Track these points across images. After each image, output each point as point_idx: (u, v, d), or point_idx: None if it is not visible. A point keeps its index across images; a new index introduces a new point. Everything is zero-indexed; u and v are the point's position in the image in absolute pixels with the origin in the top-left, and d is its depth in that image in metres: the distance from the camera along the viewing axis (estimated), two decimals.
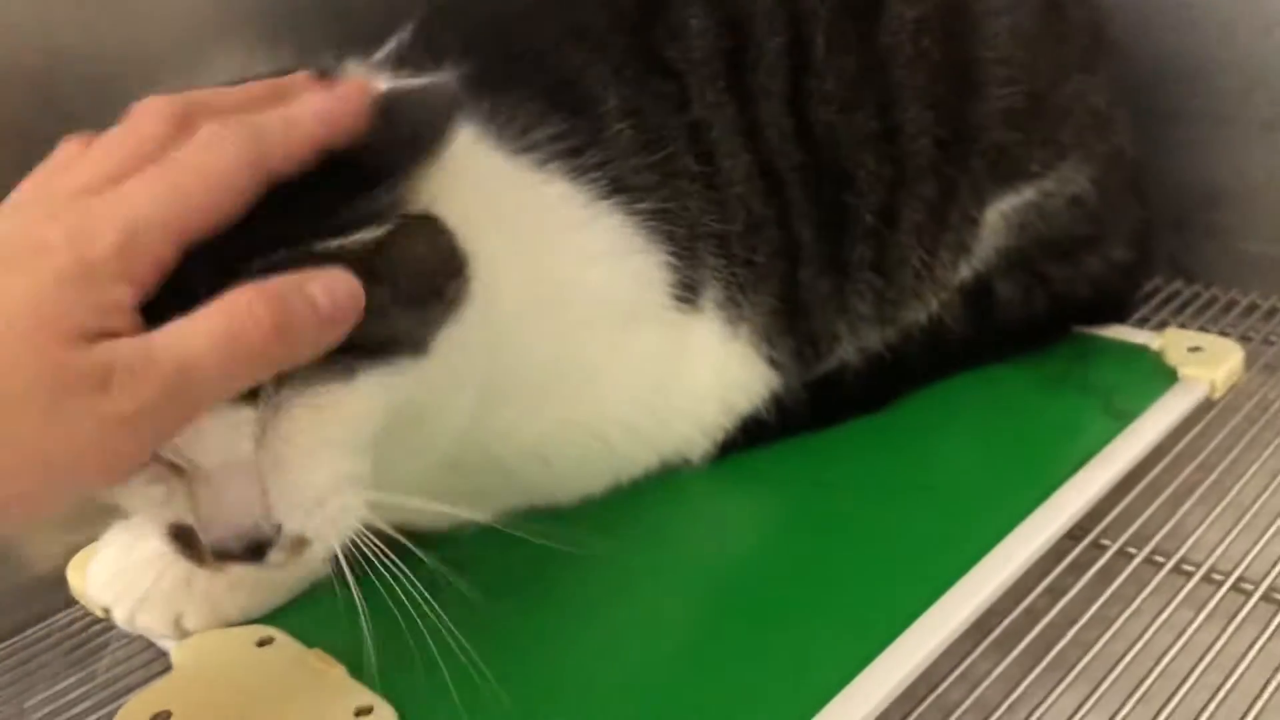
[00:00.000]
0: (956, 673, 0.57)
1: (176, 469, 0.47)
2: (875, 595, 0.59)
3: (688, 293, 0.67)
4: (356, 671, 0.56)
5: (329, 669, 0.56)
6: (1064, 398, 0.75)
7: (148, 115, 0.47)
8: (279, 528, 0.48)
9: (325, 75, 0.55)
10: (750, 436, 0.71)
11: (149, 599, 0.61)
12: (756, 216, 0.68)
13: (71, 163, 0.46)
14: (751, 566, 0.64)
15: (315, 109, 0.47)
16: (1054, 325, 0.81)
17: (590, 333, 0.65)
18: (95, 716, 0.61)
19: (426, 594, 0.51)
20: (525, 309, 0.60)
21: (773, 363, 0.71)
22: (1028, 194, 0.75)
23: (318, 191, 0.47)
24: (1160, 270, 0.95)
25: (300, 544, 0.49)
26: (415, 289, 0.51)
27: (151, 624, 0.61)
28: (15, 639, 0.68)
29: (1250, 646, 0.57)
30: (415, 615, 0.51)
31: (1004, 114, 0.73)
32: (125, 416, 0.40)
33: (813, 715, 0.52)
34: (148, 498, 0.48)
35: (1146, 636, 0.59)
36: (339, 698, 0.55)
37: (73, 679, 0.64)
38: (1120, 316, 0.85)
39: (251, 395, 0.46)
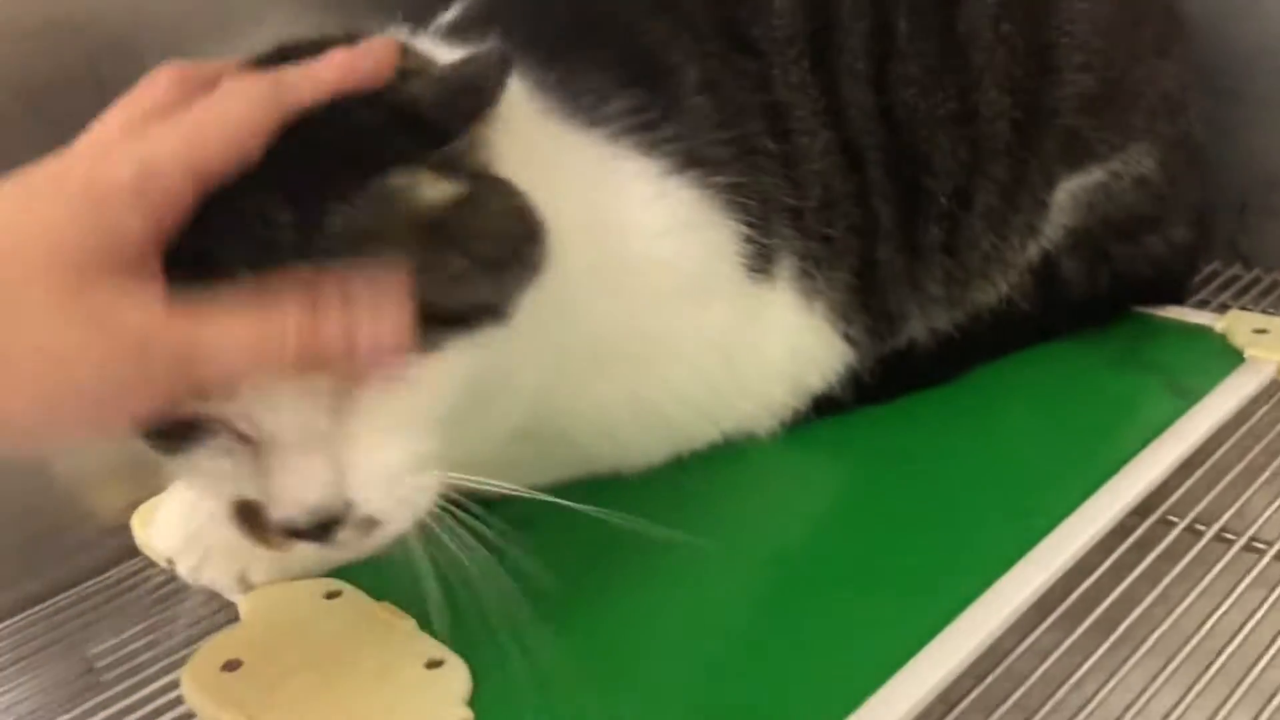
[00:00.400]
0: (1024, 645, 0.57)
1: (246, 441, 0.47)
2: (942, 569, 0.59)
3: (762, 263, 0.66)
4: (426, 626, 0.56)
5: (399, 622, 0.56)
6: (1128, 376, 0.75)
7: (160, 79, 0.48)
8: (349, 505, 0.47)
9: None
10: (820, 410, 0.71)
11: (214, 553, 0.61)
12: (834, 193, 0.68)
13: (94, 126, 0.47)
14: (816, 537, 0.65)
15: (336, 60, 0.49)
16: (1115, 304, 0.81)
17: (658, 306, 0.64)
18: (159, 666, 0.62)
19: (495, 564, 0.51)
20: (593, 280, 0.60)
21: (848, 339, 0.71)
22: (1096, 175, 0.76)
23: (384, 148, 0.48)
24: (1220, 253, 0.94)
25: (370, 524, 0.49)
26: (494, 252, 0.51)
27: (217, 578, 0.61)
28: (78, 588, 0.69)
29: None
30: (483, 584, 0.51)
31: (1078, 99, 0.73)
32: (135, 351, 0.40)
33: (880, 685, 0.52)
34: (215, 471, 0.48)
35: (1219, 613, 0.58)
36: (410, 650, 0.55)
37: (136, 629, 0.65)
38: (1178, 297, 0.85)
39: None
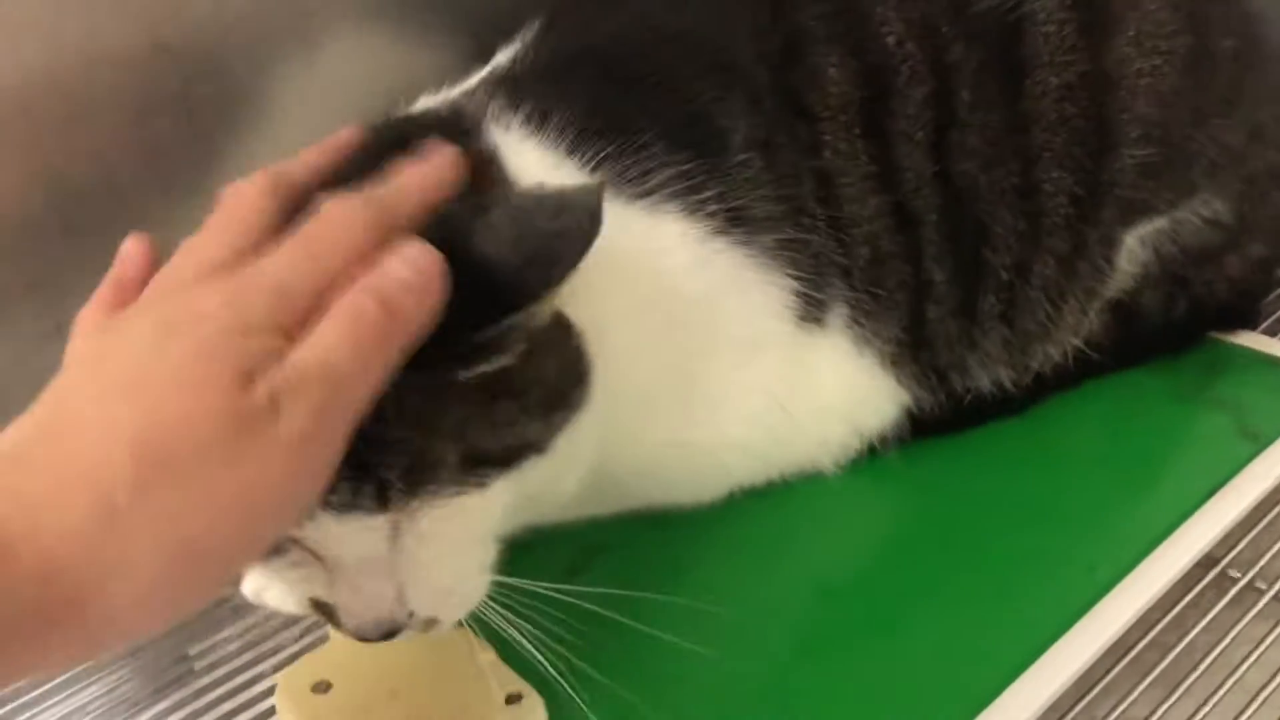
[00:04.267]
0: (1082, 705, 0.58)
1: (316, 555, 0.50)
2: (1005, 621, 0.60)
3: (814, 312, 0.67)
4: (506, 658, 0.58)
5: (481, 653, 0.58)
6: (1196, 413, 0.75)
7: (244, 196, 0.48)
8: (411, 615, 0.52)
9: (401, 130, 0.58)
10: (881, 446, 0.72)
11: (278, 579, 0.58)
12: (882, 253, 0.68)
13: (193, 250, 0.47)
14: (876, 579, 0.65)
15: (420, 175, 0.50)
16: (1192, 330, 0.81)
17: (705, 363, 0.65)
18: (256, 671, 0.65)
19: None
20: (639, 345, 0.61)
21: (901, 384, 0.71)
22: (1160, 223, 0.75)
23: (449, 311, 0.46)
24: None
25: (430, 624, 0.53)
26: (543, 399, 0.53)
27: (274, 602, 0.57)
28: None
29: None
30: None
31: (1137, 169, 0.72)
32: (305, 432, 0.41)
33: None
34: (292, 578, 0.52)
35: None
36: (491, 684, 0.57)
37: (230, 631, 0.68)
38: (1254, 316, 0.84)
39: (383, 501, 0.48)
